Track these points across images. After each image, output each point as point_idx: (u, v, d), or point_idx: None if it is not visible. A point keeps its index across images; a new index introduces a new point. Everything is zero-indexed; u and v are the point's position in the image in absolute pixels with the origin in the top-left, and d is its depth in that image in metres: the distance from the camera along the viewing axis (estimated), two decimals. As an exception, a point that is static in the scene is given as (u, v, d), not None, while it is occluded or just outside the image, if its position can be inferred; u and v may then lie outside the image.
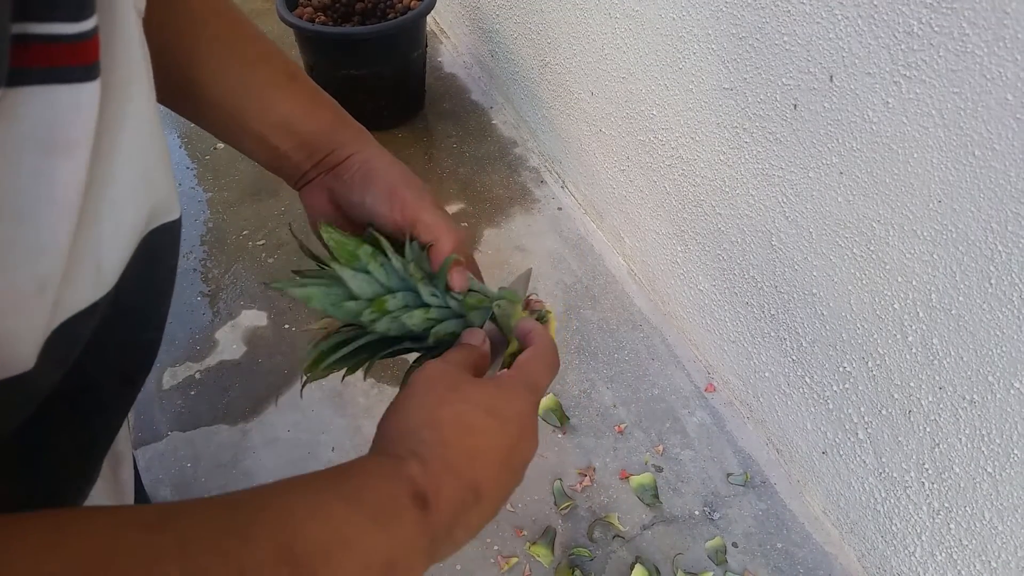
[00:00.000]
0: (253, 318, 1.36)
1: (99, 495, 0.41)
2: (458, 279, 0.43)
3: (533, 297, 0.48)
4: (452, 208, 1.57)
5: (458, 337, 0.44)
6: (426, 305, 0.43)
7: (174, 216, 0.35)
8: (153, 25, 0.32)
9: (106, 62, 0.25)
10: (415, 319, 0.42)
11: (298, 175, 0.47)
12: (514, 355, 0.43)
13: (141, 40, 0.30)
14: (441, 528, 0.33)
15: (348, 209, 0.46)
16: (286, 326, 1.34)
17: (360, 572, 0.29)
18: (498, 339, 0.45)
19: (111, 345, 0.33)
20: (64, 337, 0.27)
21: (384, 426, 0.37)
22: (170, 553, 0.24)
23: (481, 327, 0.44)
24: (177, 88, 0.42)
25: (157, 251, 0.34)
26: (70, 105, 0.23)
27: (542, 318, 0.47)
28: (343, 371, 0.44)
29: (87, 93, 0.23)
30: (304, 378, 0.43)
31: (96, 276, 0.28)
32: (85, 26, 0.23)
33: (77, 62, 0.23)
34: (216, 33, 0.44)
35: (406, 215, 0.43)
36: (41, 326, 0.25)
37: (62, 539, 0.23)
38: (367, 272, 0.42)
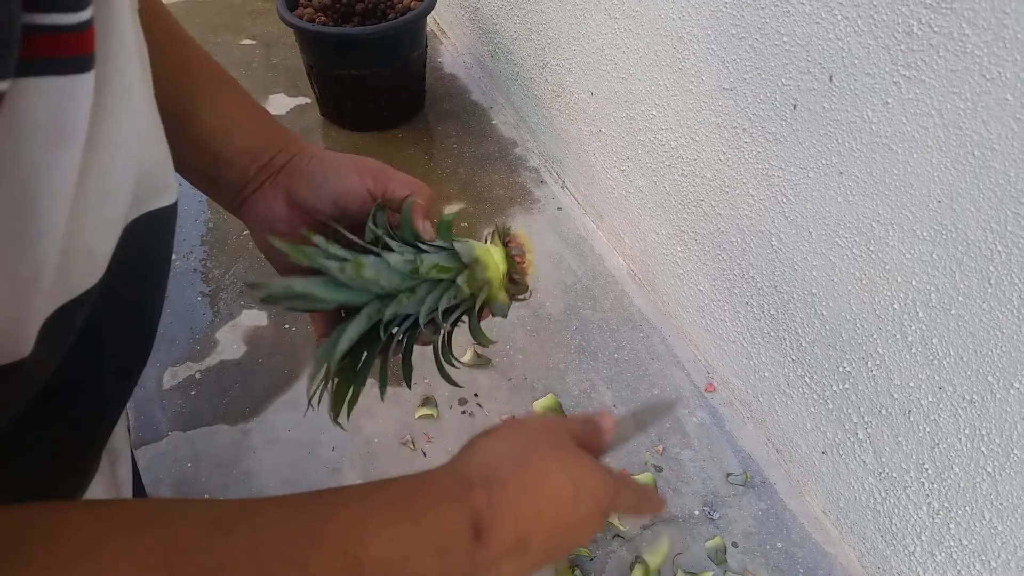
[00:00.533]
0: (253, 318, 1.36)
1: (96, 491, 0.42)
2: (425, 225, 0.45)
3: (514, 231, 0.48)
4: (452, 208, 1.57)
5: (443, 289, 0.43)
6: (404, 262, 0.42)
7: (169, 201, 0.35)
8: None
9: (100, 52, 0.25)
10: (390, 277, 0.41)
11: (242, 183, 0.46)
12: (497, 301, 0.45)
13: (137, 31, 0.30)
14: (483, 564, 0.33)
15: (309, 200, 0.45)
16: (286, 326, 1.34)
17: None
18: (630, 431, 0.44)
19: (107, 336, 0.33)
20: (59, 324, 0.27)
21: (476, 443, 0.37)
22: (242, 553, 0.24)
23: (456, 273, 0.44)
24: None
25: (149, 237, 0.34)
26: (65, 96, 0.23)
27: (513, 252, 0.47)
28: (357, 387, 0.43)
29: (83, 83, 0.24)
30: (327, 407, 0.43)
31: (88, 263, 0.28)
32: (82, 16, 0.23)
33: (73, 53, 0.23)
34: (153, 38, 0.44)
35: (377, 180, 0.44)
36: (37, 313, 0.25)
37: (139, 531, 0.23)
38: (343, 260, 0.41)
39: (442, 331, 0.45)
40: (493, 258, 0.46)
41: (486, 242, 0.48)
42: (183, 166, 0.45)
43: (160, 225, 0.35)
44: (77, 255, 0.27)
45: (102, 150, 0.27)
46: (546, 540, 0.36)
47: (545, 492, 0.36)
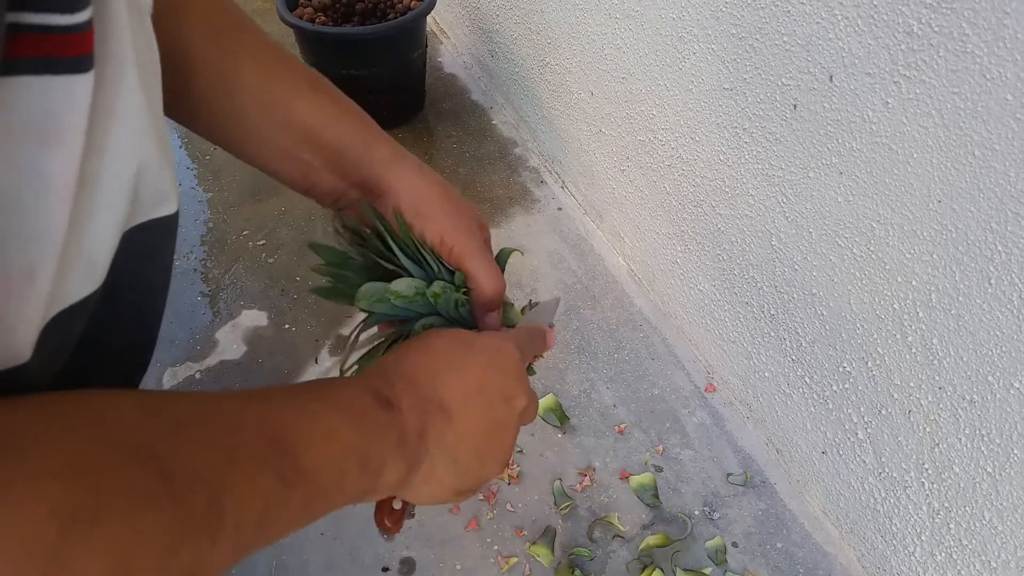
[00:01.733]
0: (253, 318, 1.36)
1: None
2: (493, 316, 0.47)
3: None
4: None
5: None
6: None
7: (170, 210, 0.35)
8: (163, 33, 0.33)
9: (99, 55, 0.25)
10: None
11: (335, 195, 0.46)
12: None
13: (148, 36, 0.31)
14: (410, 431, 0.35)
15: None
16: (286, 326, 1.34)
17: (339, 461, 0.31)
18: None
19: (107, 341, 0.33)
20: (58, 330, 0.27)
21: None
22: (163, 435, 0.25)
23: None
24: (196, 100, 0.42)
25: (150, 245, 0.34)
26: (62, 96, 0.23)
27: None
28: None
29: (80, 85, 0.24)
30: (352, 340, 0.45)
31: (88, 269, 0.28)
32: (78, 18, 0.23)
33: (69, 53, 0.23)
34: (230, 44, 0.42)
35: (452, 260, 0.44)
36: (34, 317, 0.25)
37: (65, 413, 0.24)
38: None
39: None
40: None
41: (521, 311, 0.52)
42: (281, 176, 0.45)
43: (161, 234, 0.35)
44: (77, 260, 0.27)
45: (101, 154, 0.27)
46: (465, 396, 0.37)
47: (433, 357, 0.38)
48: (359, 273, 0.44)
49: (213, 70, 0.42)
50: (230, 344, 1.31)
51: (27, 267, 0.24)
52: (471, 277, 0.44)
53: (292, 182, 0.46)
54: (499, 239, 1.51)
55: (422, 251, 0.43)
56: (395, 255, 0.43)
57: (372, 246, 0.44)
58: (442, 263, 0.44)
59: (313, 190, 0.46)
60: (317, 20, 1.63)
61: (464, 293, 0.45)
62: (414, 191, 0.45)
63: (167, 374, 1.26)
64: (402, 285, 0.42)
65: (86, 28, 0.23)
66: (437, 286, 0.43)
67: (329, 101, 0.45)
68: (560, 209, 1.58)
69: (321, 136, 0.44)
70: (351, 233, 0.45)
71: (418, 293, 0.43)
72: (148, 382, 1.30)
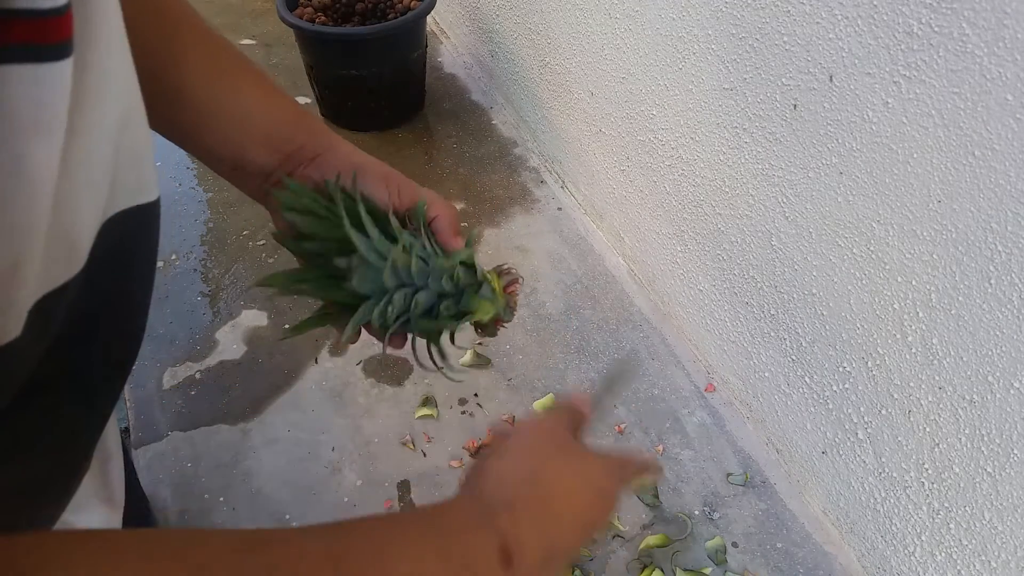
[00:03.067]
0: (253, 318, 1.36)
1: (87, 491, 0.42)
2: (456, 240, 0.47)
3: (505, 267, 0.52)
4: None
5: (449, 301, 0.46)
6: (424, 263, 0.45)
7: (150, 198, 0.35)
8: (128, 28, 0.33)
9: (80, 39, 0.24)
10: (419, 271, 0.45)
11: (267, 171, 0.47)
12: (480, 323, 0.48)
13: (119, 19, 0.30)
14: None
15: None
16: (286, 326, 1.34)
17: None
18: (596, 403, 0.48)
19: (95, 328, 0.33)
20: (43, 312, 0.27)
21: (483, 468, 0.37)
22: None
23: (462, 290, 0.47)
24: (146, 81, 0.43)
25: (130, 232, 0.34)
26: (44, 84, 0.22)
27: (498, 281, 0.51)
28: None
29: (61, 72, 0.23)
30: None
31: (69, 254, 0.28)
32: (59, 1, 0.22)
33: (50, 40, 0.22)
34: (180, 27, 0.44)
35: (404, 197, 0.46)
36: (20, 301, 0.25)
37: (151, 557, 0.23)
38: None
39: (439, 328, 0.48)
40: (495, 283, 0.50)
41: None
42: (208, 155, 0.46)
43: (142, 221, 0.35)
44: (59, 244, 0.27)
45: (82, 139, 0.26)
46: (570, 543, 0.37)
47: (563, 500, 0.36)
48: (317, 282, 0.44)
49: (175, 64, 0.42)
50: (230, 344, 1.31)
51: (13, 257, 0.24)
52: (429, 204, 0.46)
53: (225, 163, 0.47)
54: (499, 239, 1.51)
55: (373, 205, 0.45)
56: (348, 215, 0.43)
57: (320, 216, 0.43)
58: (395, 214, 0.45)
59: (245, 169, 0.47)
60: (317, 20, 1.63)
61: (427, 227, 0.46)
62: (347, 149, 0.47)
63: (167, 374, 1.26)
64: (365, 245, 0.42)
65: (65, 11, 0.23)
66: (405, 236, 0.44)
67: (270, 90, 0.47)
68: (560, 209, 1.58)
69: (256, 117, 0.46)
70: (295, 212, 0.44)
71: (381, 248, 0.43)
72: (148, 382, 1.30)
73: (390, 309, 0.43)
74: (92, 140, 0.27)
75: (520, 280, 0.52)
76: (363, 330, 0.46)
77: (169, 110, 0.44)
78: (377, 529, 0.30)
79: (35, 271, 0.25)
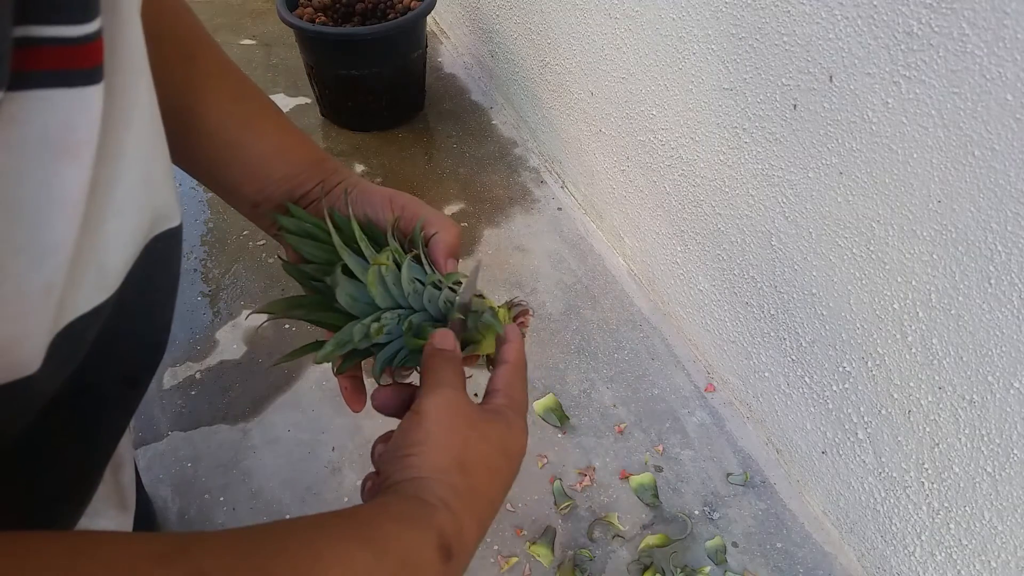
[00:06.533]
0: (253, 318, 1.36)
1: (100, 499, 0.41)
2: (448, 263, 0.47)
3: (518, 300, 0.51)
4: (452, 208, 1.57)
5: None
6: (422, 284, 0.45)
7: (175, 223, 0.36)
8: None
9: (110, 65, 0.25)
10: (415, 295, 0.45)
11: (283, 210, 0.48)
12: (489, 356, 0.47)
13: (143, 45, 0.30)
14: (455, 574, 0.33)
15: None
16: (286, 326, 1.34)
17: None
18: (457, 327, 0.47)
19: (115, 348, 0.33)
20: (69, 339, 0.27)
21: (407, 461, 0.36)
22: None
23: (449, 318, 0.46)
24: (170, 118, 0.43)
25: (160, 257, 0.34)
26: (75, 108, 0.23)
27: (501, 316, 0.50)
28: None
29: (92, 96, 0.23)
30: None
31: (99, 279, 0.28)
32: (89, 28, 0.22)
33: (81, 65, 0.23)
34: (207, 69, 0.45)
35: (407, 215, 0.47)
36: (46, 328, 0.25)
37: (75, 565, 0.22)
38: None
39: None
40: (502, 313, 0.49)
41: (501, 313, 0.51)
42: (226, 192, 0.47)
43: (173, 244, 0.35)
44: (88, 269, 0.27)
45: (112, 163, 0.26)
46: (496, 511, 0.38)
47: (490, 480, 0.37)
48: (311, 306, 0.46)
49: (193, 90, 0.44)
50: (230, 344, 1.31)
51: (45, 283, 0.24)
52: (427, 223, 0.47)
53: (244, 199, 0.48)
54: (499, 239, 1.51)
55: (373, 227, 0.46)
56: (338, 232, 0.44)
57: (320, 240, 0.45)
58: (393, 234, 0.46)
59: (263, 205, 0.48)
60: (317, 20, 1.63)
61: (424, 246, 0.47)
62: (357, 180, 0.49)
63: (167, 374, 1.26)
64: (353, 260, 0.43)
65: (96, 38, 0.23)
66: (384, 254, 0.44)
67: (291, 128, 0.49)
68: (560, 209, 1.58)
69: (286, 154, 0.47)
70: (296, 236, 0.46)
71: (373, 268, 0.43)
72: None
73: (373, 327, 0.43)
74: (122, 165, 0.27)
75: (531, 312, 0.50)
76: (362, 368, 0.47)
77: (189, 147, 0.46)
78: (306, 530, 0.29)
79: (67, 295, 0.25)
